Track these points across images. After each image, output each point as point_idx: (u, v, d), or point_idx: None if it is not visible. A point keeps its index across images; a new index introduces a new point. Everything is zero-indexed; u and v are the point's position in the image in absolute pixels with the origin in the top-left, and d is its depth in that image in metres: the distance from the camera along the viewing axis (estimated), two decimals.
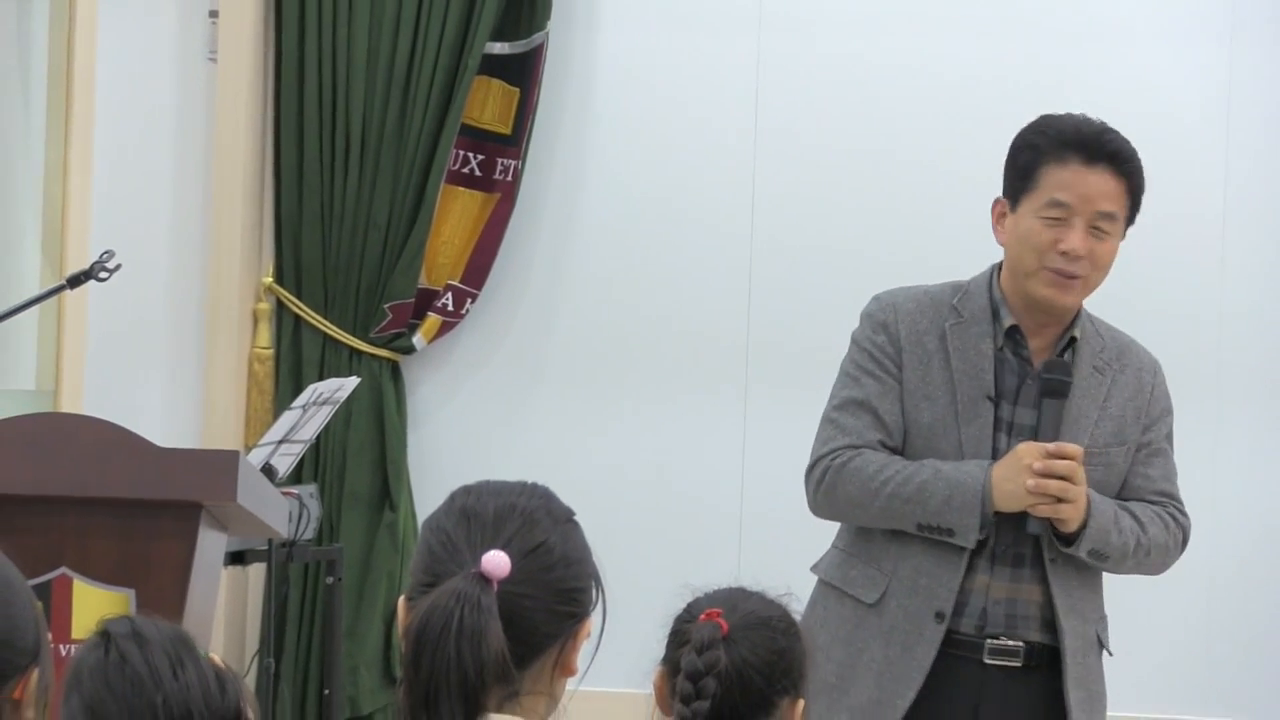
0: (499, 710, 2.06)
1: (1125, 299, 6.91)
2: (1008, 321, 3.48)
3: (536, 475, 2.34)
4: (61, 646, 3.63)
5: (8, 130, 7.14)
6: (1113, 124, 6.85)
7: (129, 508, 3.65)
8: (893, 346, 3.53)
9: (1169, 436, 3.62)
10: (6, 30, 7.14)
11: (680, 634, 2.58)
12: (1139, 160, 3.51)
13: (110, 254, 5.00)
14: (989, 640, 3.40)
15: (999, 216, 3.52)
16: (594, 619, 2.16)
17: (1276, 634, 6.88)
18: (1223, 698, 6.88)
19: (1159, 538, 3.51)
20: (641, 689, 2.64)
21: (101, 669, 2.50)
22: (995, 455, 3.41)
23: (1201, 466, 6.89)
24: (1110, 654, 3.57)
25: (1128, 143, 3.52)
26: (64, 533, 3.66)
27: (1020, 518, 3.40)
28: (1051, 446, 3.37)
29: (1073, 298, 3.48)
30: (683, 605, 2.65)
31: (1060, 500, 3.34)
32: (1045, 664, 3.44)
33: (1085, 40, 7.02)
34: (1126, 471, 3.52)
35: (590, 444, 7.16)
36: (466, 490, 2.15)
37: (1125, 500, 3.53)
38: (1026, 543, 3.43)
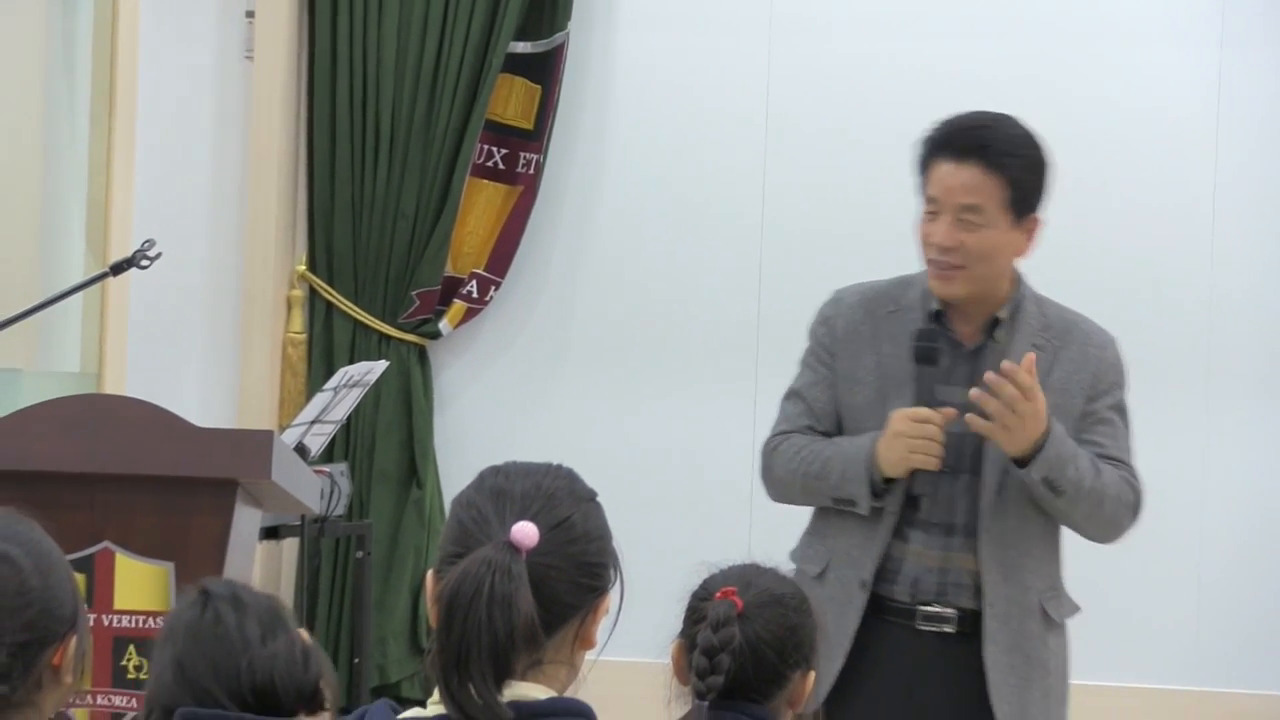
0: (523, 678, 2.05)
1: (1117, 290, 6.93)
2: (933, 306, 3.49)
3: (556, 454, 2.34)
4: (104, 617, 3.64)
5: (54, 125, 7.14)
6: (1108, 121, 6.95)
7: (168, 485, 3.65)
8: (830, 338, 3.56)
9: (1118, 408, 3.58)
10: (52, 30, 7.14)
11: (697, 610, 2.57)
12: (1020, 151, 3.48)
13: (151, 243, 5.00)
14: (921, 607, 3.39)
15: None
16: (612, 596, 2.15)
17: (1263, 607, 6.87)
18: (1211, 668, 6.87)
19: (1113, 488, 3.47)
20: (657, 660, 2.64)
21: (196, 626, 2.50)
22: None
23: (1192, 447, 6.91)
24: (1058, 622, 3.52)
25: (1006, 135, 3.48)
26: (106, 508, 3.66)
27: (952, 486, 3.40)
28: (921, 412, 3.36)
29: (955, 288, 3.46)
30: (698, 582, 2.64)
31: (924, 454, 3.34)
32: (976, 631, 3.42)
33: (1083, 40, 7.01)
34: (1074, 440, 3.49)
35: (608, 425, 7.16)
36: (495, 470, 2.15)
37: None
38: (958, 511, 3.42)
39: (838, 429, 3.52)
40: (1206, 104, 6.94)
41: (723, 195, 7.16)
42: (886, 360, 3.48)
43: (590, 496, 2.16)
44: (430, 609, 2.08)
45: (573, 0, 7.16)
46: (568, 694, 2.12)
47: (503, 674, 2.01)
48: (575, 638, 2.11)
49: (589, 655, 2.16)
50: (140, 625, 3.64)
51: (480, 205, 7.25)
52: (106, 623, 3.63)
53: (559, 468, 2.17)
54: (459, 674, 1.99)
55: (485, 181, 7.25)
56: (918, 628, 3.39)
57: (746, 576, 2.63)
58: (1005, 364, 3.32)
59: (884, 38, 7.07)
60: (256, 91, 7.23)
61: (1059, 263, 6.96)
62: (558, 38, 7.17)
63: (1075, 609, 3.66)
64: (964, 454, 3.43)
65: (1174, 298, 6.93)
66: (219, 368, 7.29)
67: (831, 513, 3.51)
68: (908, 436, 3.35)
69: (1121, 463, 3.54)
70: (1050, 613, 3.52)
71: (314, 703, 2.50)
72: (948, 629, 3.42)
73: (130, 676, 3.63)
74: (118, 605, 3.64)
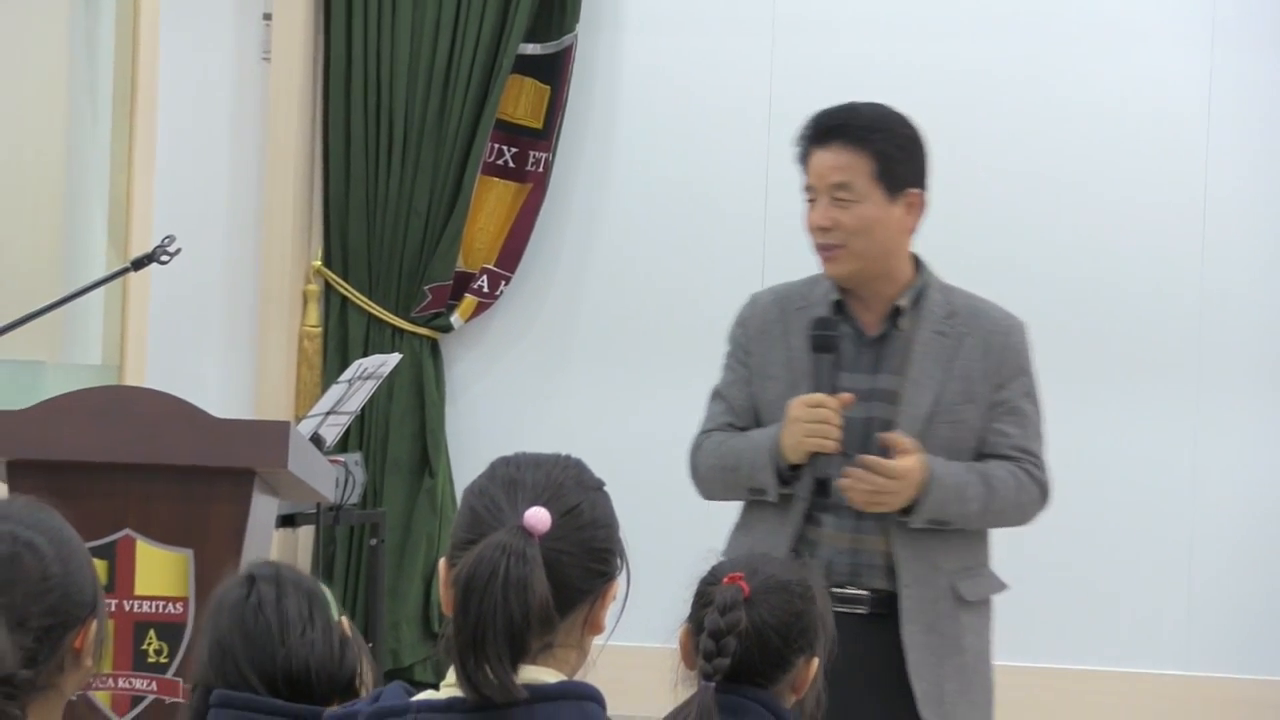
0: (534, 662, 2.05)
1: (1110, 286, 6.92)
2: (833, 297, 3.49)
3: (564, 445, 2.33)
4: (125, 602, 3.63)
5: (77, 125, 7.14)
6: (1102, 118, 6.94)
7: (188, 474, 3.65)
8: (745, 338, 3.59)
9: (1028, 394, 3.54)
10: (75, 33, 7.14)
11: (704, 595, 2.57)
12: (882, 127, 3.50)
13: (171, 239, 4.99)
14: (834, 589, 3.38)
15: None
16: (619, 583, 2.14)
17: (1253, 593, 6.86)
18: (1203, 653, 6.86)
19: (1010, 497, 3.46)
20: (664, 645, 2.63)
21: (239, 609, 2.50)
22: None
23: (1183, 438, 6.89)
24: (971, 601, 3.50)
25: (867, 115, 3.53)
26: (128, 497, 3.66)
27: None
28: (815, 397, 3.37)
29: (840, 266, 3.49)
30: (706, 568, 2.64)
31: (878, 495, 3.34)
32: (892, 612, 3.41)
33: (1078, 41, 7.00)
34: (982, 428, 3.48)
35: (615, 416, 7.16)
36: (506, 460, 2.15)
37: (984, 456, 3.48)
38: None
39: (756, 425, 3.52)
40: (1198, 103, 6.93)
41: (727, 192, 7.16)
42: (795, 354, 3.50)
43: (598, 486, 2.16)
44: (443, 595, 2.08)
45: (581, 2, 7.16)
46: (577, 678, 2.11)
47: (518, 655, 2.01)
48: (585, 622, 2.11)
49: (597, 640, 2.15)
50: (160, 610, 3.63)
51: (491, 202, 7.25)
52: (128, 608, 3.62)
53: (568, 458, 2.17)
54: (475, 655, 1.99)
55: (496, 179, 7.25)
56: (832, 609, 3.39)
57: (753, 563, 2.62)
58: (870, 459, 3.33)
59: (884, 38, 7.06)
60: (273, 92, 7.23)
61: (1053, 259, 6.98)
62: (566, 39, 7.16)
63: (999, 587, 3.61)
64: (869, 438, 3.42)
65: (1166, 293, 6.92)
66: (237, 360, 7.29)
67: (754, 506, 3.52)
68: (804, 421, 3.35)
69: (1027, 453, 3.51)
70: (962, 592, 3.49)
71: (349, 692, 2.49)
72: (861, 610, 3.41)
73: (150, 660, 3.62)
74: (138, 591, 3.64)
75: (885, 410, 3.46)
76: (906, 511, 3.38)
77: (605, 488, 2.16)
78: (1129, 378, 6.92)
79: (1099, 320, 6.94)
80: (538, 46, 7.17)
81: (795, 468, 3.42)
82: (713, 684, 2.46)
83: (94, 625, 2.06)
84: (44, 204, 7.03)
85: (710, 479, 3.56)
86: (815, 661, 2.62)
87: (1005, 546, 3.61)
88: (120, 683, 3.61)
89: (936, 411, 3.45)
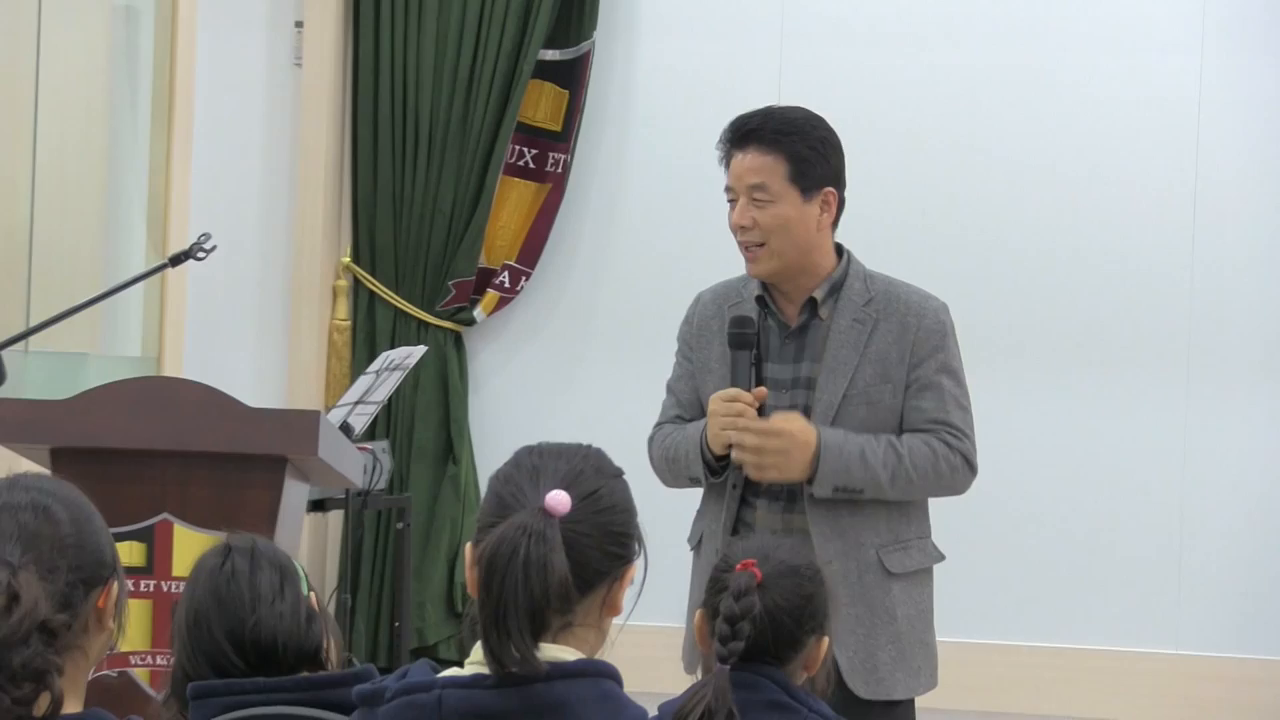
0: (554, 641, 2.04)
1: (1103, 279, 6.91)
2: (755, 293, 3.50)
3: (582, 433, 2.32)
4: (163, 583, 3.64)
5: (119, 129, 7.14)
6: (1097, 120, 6.92)
7: (223, 460, 3.65)
8: (689, 334, 3.62)
9: (944, 370, 3.51)
10: (117, 41, 7.15)
11: (718, 581, 2.56)
12: (794, 130, 3.49)
13: (207, 236, 4.98)
14: None
15: None
16: (637, 567, 2.14)
17: (1241, 574, 6.84)
18: (1191, 632, 6.84)
19: (925, 466, 3.45)
20: (678, 625, 2.62)
21: (213, 578, 2.51)
22: (761, 410, 3.40)
23: (1174, 426, 6.88)
24: (899, 573, 3.48)
25: (780, 118, 3.53)
26: (165, 483, 3.66)
27: None
28: (730, 392, 3.39)
29: (762, 266, 3.50)
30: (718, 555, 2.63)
31: (740, 444, 3.35)
32: None
33: (1074, 44, 6.99)
34: (901, 407, 3.47)
35: (630, 405, 7.11)
36: (529, 449, 2.15)
37: (905, 432, 3.48)
38: (796, 482, 3.42)
39: (701, 416, 3.53)
40: (1189, 103, 6.92)
41: None
42: (727, 349, 3.50)
43: (617, 473, 2.15)
44: (469, 575, 2.07)
45: (598, 11, 7.15)
46: (596, 658, 2.10)
47: (539, 630, 2.01)
48: (603, 603, 2.10)
49: (615, 621, 2.14)
50: None
51: (512, 202, 7.24)
52: (166, 588, 3.63)
53: (589, 447, 2.17)
54: (498, 630, 1.99)
55: (516, 180, 7.24)
56: None
57: (765, 549, 2.61)
58: (730, 391, 3.36)
59: (888, 45, 7.06)
60: (305, 96, 7.23)
61: (1048, 254, 6.97)
62: (584, 46, 7.16)
63: (936, 558, 3.59)
64: None
65: (1156, 287, 6.91)
66: (269, 352, 7.29)
67: (706, 491, 3.55)
68: (720, 415, 3.37)
69: (944, 424, 3.49)
70: (889, 565, 3.48)
71: (315, 663, 2.50)
72: None
73: None
74: (176, 572, 3.64)
75: (807, 397, 3.47)
76: (811, 483, 3.38)
77: (624, 475, 2.16)
78: (1122, 365, 6.91)
79: (1093, 310, 6.93)
80: (557, 52, 7.16)
81: (722, 457, 3.45)
82: (728, 667, 2.46)
83: (115, 585, 2.05)
84: (86, 204, 7.03)
85: (661, 469, 3.59)
86: (826, 640, 2.62)
87: (1001, 530, 3.60)
88: (159, 660, 3.61)
89: (851, 394, 3.46)
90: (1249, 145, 6.91)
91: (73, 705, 1.99)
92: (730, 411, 3.38)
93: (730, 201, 3.51)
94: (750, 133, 3.47)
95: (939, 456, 3.47)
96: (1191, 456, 6.87)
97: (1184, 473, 6.88)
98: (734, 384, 3.41)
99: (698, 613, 2.58)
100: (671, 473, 3.56)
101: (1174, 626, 6.86)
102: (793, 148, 3.47)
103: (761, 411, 3.39)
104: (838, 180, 3.55)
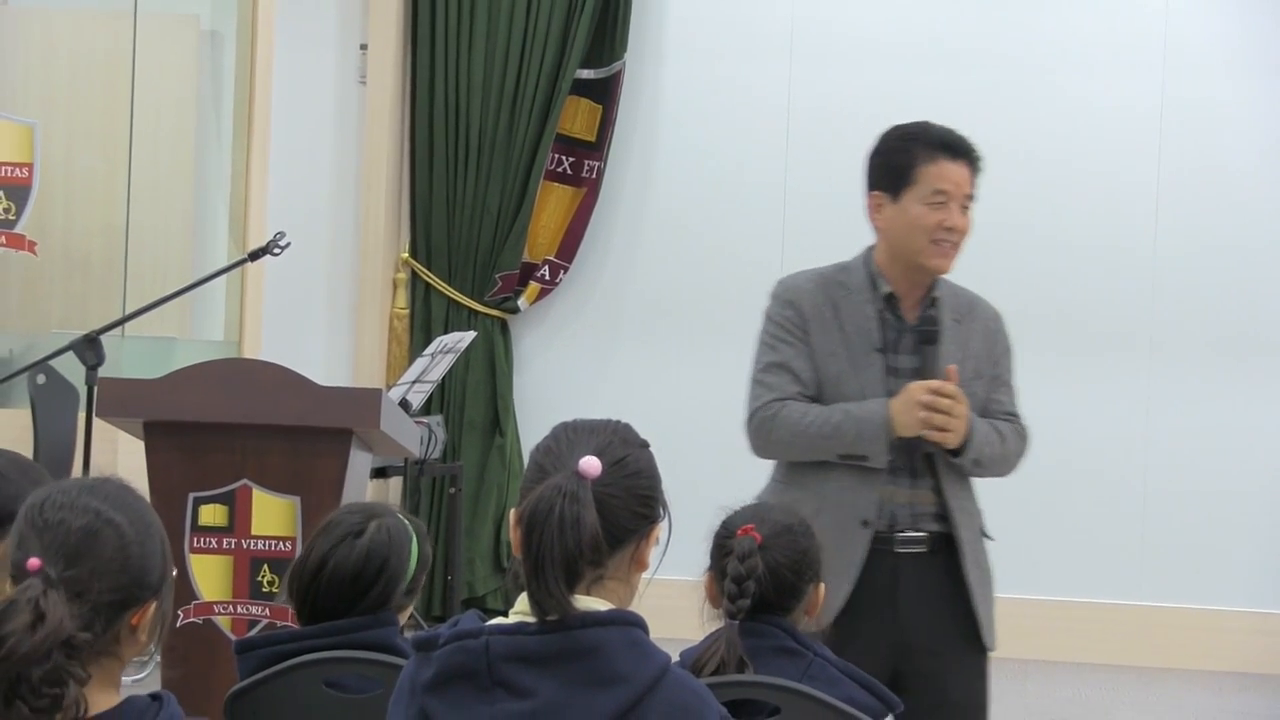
0: (588, 593, 2.04)
1: (1071, 272, 6.89)
2: (885, 289, 3.44)
3: (614, 409, 2.30)
4: (243, 541, 3.63)
5: (204, 139, 7.15)
6: (1069, 125, 6.88)
7: (296, 433, 3.64)
8: (800, 318, 3.47)
9: (1011, 370, 3.55)
10: (203, 62, 7.16)
11: (723, 546, 2.55)
12: (980, 153, 3.46)
13: (282, 234, 4.99)
14: (898, 534, 3.35)
15: (876, 208, 3.45)
16: (661, 529, 2.13)
17: (1202, 531, 6.82)
18: (1154, 584, 6.82)
19: (1014, 447, 3.50)
20: (699, 578, 2.61)
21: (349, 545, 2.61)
22: (888, 394, 3.37)
23: (1138, 398, 6.85)
24: (991, 539, 3.48)
25: (972, 142, 3.47)
26: (245, 452, 3.65)
27: (914, 440, 3.35)
28: (934, 384, 3.33)
29: (951, 262, 3.46)
30: (718, 523, 2.61)
31: (942, 429, 3.30)
32: (943, 549, 3.38)
33: (1056, 65, 6.97)
34: (985, 399, 3.46)
35: (658, 385, 7.15)
36: (565, 425, 2.15)
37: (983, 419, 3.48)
38: (918, 458, 3.38)
39: (818, 394, 3.46)
40: (1151, 111, 6.90)
41: (751, 195, 7.16)
42: (851, 335, 3.43)
43: (643, 444, 2.14)
44: (513, 536, 2.07)
45: (629, 35, 7.14)
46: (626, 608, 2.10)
47: (573, 580, 2.00)
48: (631, 559, 2.09)
49: (644, 576, 2.13)
50: (273, 548, 3.63)
51: (552, 204, 7.24)
52: (245, 546, 3.62)
53: (618, 422, 2.16)
54: (538, 579, 1.98)
55: (556, 184, 7.24)
56: (896, 551, 3.35)
57: (760, 513, 2.60)
58: (934, 385, 3.29)
59: (884, 62, 7.04)
60: (369, 110, 7.23)
61: (1021, 250, 6.95)
62: (616, 65, 7.15)
63: None
64: None
65: (1119, 282, 6.90)
66: (337, 336, 7.30)
67: (808, 465, 3.43)
68: (922, 405, 3.31)
69: (1015, 415, 3.53)
70: (987, 530, 3.48)
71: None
72: (921, 549, 3.38)
73: (264, 590, 3.62)
74: (254, 531, 3.63)
75: None
76: (956, 454, 3.34)
77: (649, 447, 2.15)
78: (1088, 348, 6.88)
79: (1064, 297, 6.91)
80: (592, 72, 7.15)
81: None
82: (736, 622, 2.45)
83: (153, 607, 1.95)
84: (175, 206, 7.04)
85: (789, 443, 3.42)
86: (822, 586, 2.61)
87: (987, 497, 3.58)
88: (239, 609, 3.61)
89: (960, 385, 3.43)
90: (1207, 146, 6.89)
91: (107, 700, 1.93)
92: (940, 406, 3.30)
93: (936, 203, 3.40)
94: (969, 150, 3.43)
95: (1020, 439, 3.50)
96: (1153, 431, 6.85)
97: (1146, 446, 6.86)
98: (927, 376, 3.36)
99: (707, 574, 2.57)
100: (812, 447, 3.39)
101: (1137, 578, 6.85)
102: (978, 170, 3.45)
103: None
104: None
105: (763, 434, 3.42)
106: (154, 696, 1.98)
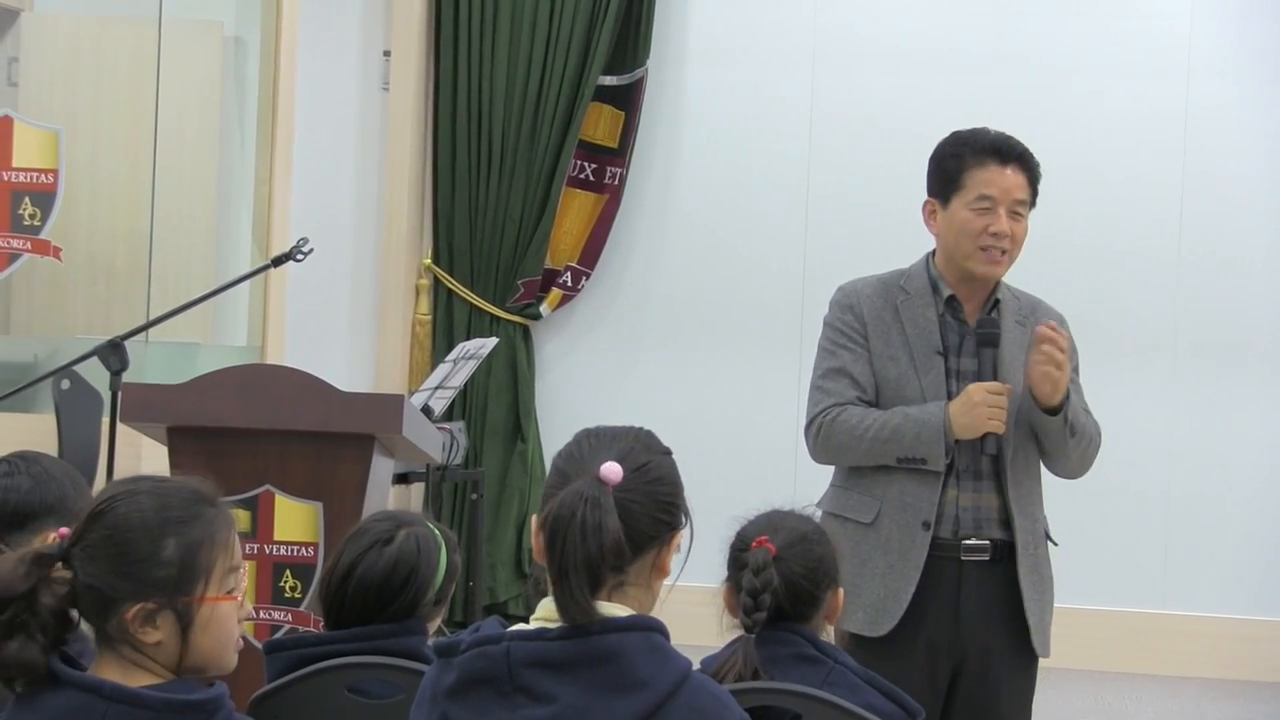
0: (609, 599, 2.04)
1: (1096, 273, 6.87)
2: (946, 293, 3.43)
3: (635, 415, 2.30)
4: (266, 546, 3.64)
5: (228, 146, 7.17)
6: (1094, 129, 6.87)
7: (318, 438, 3.64)
8: (859, 323, 3.47)
9: (1076, 369, 3.53)
10: (227, 69, 7.18)
11: (738, 559, 2.54)
12: (1034, 160, 3.44)
13: (305, 240, 4.99)
14: (963, 541, 3.34)
15: (930, 214, 3.45)
16: (683, 536, 2.13)
17: (1225, 539, 6.80)
18: (1177, 592, 6.80)
19: (1093, 429, 3.49)
20: (719, 585, 2.61)
21: (378, 551, 2.62)
22: (950, 396, 3.36)
23: (1161, 405, 6.83)
24: (1055, 544, 3.48)
25: (1024, 146, 3.45)
26: (268, 457, 3.66)
27: (974, 442, 3.34)
28: (993, 385, 3.32)
29: (1002, 269, 3.43)
30: (732, 534, 2.60)
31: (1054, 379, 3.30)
32: (1006, 557, 3.37)
33: (1080, 70, 6.96)
34: None
35: (680, 391, 7.15)
36: (587, 431, 2.15)
37: None
38: (982, 461, 3.37)
39: (876, 398, 3.45)
40: (1174, 119, 6.89)
41: (773, 201, 7.15)
42: (912, 339, 3.42)
43: (665, 451, 2.14)
44: (535, 542, 2.07)
45: (651, 41, 7.14)
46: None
47: (596, 585, 2.00)
48: (653, 566, 2.09)
49: (665, 583, 2.13)
50: (295, 554, 3.64)
51: (574, 210, 7.24)
52: (268, 551, 3.63)
53: (640, 429, 2.16)
54: (561, 584, 1.99)
55: (578, 191, 7.24)
56: (961, 558, 3.34)
57: (774, 522, 2.58)
58: (1042, 330, 3.30)
59: (904, 68, 7.03)
60: (392, 117, 7.25)
61: (1044, 256, 6.92)
62: (638, 72, 7.15)
63: None
64: None
65: (1142, 289, 6.89)
66: (360, 342, 7.32)
67: (869, 470, 3.42)
68: (986, 406, 3.30)
69: (1089, 413, 3.50)
70: (1049, 535, 3.48)
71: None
72: (984, 557, 3.36)
73: (287, 595, 3.63)
74: (277, 537, 3.64)
75: None
76: (1054, 412, 3.33)
77: (671, 454, 2.15)
78: (1111, 355, 6.87)
79: (1087, 304, 6.90)
80: (614, 78, 7.15)
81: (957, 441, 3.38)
82: (753, 635, 2.45)
83: (146, 608, 1.98)
84: (199, 212, 7.06)
85: (848, 448, 3.41)
86: (840, 591, 2.60)
87: None
88: (262, 614, 3.62)
89: (1026, 386, 3.42)
90: (1231, 151, 6.87)
91: (144, 679, 1.99)
92: (997, 404, 3.31)
93: (983, 209, 3.39)
94: (1019, 154, 3.40)
95: (1098, 432, 3.49)
96: (1178, 440, 6.83)
97: (1170, 455, 6.84)
98: (980, 377, 3.36)
99: (724, 586, 2.56)
100: (871, 451, 3.38)
101: (1161, 588, 6.83)
102: (1037, 173, 3.43)
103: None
104: None
105: (822, 439, 3.42)
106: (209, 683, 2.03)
